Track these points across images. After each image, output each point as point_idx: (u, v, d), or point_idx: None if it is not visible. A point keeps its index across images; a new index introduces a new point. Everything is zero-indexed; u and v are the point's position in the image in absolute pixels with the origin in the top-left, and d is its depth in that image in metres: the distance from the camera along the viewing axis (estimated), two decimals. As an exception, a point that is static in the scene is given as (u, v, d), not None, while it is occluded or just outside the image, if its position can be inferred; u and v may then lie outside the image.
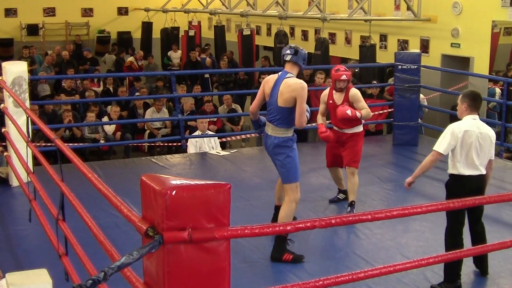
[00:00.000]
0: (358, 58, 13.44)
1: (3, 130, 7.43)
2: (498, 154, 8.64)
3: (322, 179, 8.36)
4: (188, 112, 12.17)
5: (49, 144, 8.84)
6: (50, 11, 20.83)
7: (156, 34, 20.37)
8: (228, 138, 11.26)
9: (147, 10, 20.71)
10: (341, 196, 7.41)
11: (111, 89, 14.88)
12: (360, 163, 7.33)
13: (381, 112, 11.18)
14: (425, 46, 12.47)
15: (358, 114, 6.86)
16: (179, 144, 10.30)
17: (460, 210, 5.15)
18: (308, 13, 13.98)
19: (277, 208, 6.14)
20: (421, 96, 10.91)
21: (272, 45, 15.70)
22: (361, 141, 7.13)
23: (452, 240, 5.30)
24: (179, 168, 8.87)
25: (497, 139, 6.44)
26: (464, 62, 11.59)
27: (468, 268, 5.60)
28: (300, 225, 2.69)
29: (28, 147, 5.82)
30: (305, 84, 5.67)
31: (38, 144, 9.13)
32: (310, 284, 2.79)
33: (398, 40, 13.27)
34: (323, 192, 7.73)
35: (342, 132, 7.06)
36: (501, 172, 8.57)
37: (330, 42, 13.94)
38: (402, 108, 10.08)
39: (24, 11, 20.37)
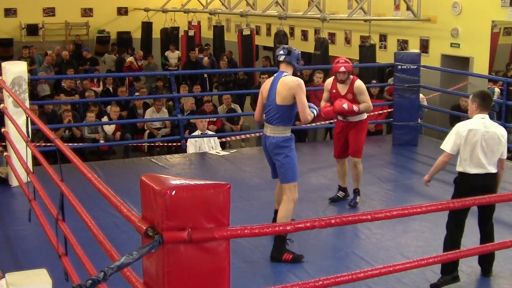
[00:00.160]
0: (358, 58, 13.44)
1: (2, 130, 7.43)
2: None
3: (322, 179, 8.36)
4: (189, 112, 12.17)
5: (48, 144, 8.84)
6: (49, 11, 20.82)
7: (156, 34, 20.37)
8: (228, 138, 11.26)
9: (146, 10, 20.70)
10: (341, 194, 7.42)
11: (110, 89, 14.88)
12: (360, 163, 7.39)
13: (380, 112, 11.18)
14: (424, 46, 12.47)
15: (355, 108, 6.95)
16: (179, 144, 10.31)
17: (463, 209, 5.18)
18: (308, 13, 13.98)
19: (277, 212, 6.13)
20: (421, 96, 10.91)
21: (272, 45, 15.70)
22: (365, 130, 7.26)
23: (448, 234, 5.39)
24: (179, 168, 8.87)
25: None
26: (464, 62, 11.59)
27: (468, 268, 5.60)
28: (300, 225, 2.69)
29: (27, 147, 5.82)
30: (301, 81, 5.76)
31: (38, 144, 9.12)
32: (310, 284, 2.79)
33: (398, 40, 13.27)
34: (323, 192, 7.73)
35: (347, 122, 7.17)
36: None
37: (329, 42, 13.94)
38: (402, 108, 10.08)
39: (24, 11, 20.37)
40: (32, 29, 20.56)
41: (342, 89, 7.10)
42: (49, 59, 17.38)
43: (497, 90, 11.64)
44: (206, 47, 18.71)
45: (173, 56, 19.04)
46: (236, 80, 15.46)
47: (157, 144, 11.54)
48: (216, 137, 10.33)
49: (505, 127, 9.48)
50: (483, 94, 5.39)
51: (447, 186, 7.72)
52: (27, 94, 7.61)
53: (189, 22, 19.72)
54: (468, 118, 5.49)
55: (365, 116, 7.23)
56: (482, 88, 10.78)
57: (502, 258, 5.69)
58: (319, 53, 13.29)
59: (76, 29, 21.21)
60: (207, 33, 19.90)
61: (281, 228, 2.76)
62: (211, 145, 10.02)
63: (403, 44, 13.09)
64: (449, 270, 5.29)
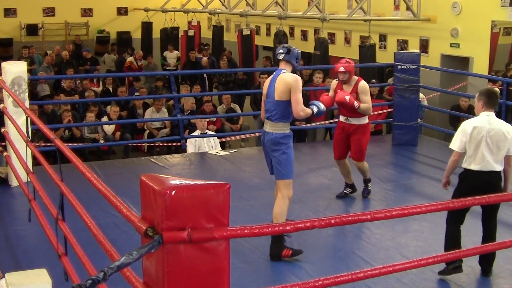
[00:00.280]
0: (358, 58, 13.44)
1: (2, 130, 7.42)
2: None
3: (322, 179, 8.36)
4: (189, 111, 12.17)
5: (48, 144, 8.84)
6: (49, 11, 20.82)
7: (156, 34, 20.37)
8: (228, 138, 11.26)
9: (146, 10, 20.69)
10: (348, 190, 7.49)
11: (110, 89, 14.88)
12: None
13: (380, 112, 11.18)
14: (424, 46, 12.47)
15: (356, 103, 7.04)
16: (179, 144, 10.31)
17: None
18: (308, 13, 13.98)
19: None
20: (422, 96, 10.91)
21: (272, 45, 15.69)
22: (366, 134, 7.36)
23: (449, 227, 5.49)
24: (179, 168, 8.87)
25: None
26: (464, 62, 11.59)
27: (468, 268, 5.60)
28: (300, 225, 2.69)
29: (27, 147, 5.82)
30: (298, 77, 5.82)
31: (38, 144, 9.13)
32: (309, 284, 2.79)
33: (398, 40, 13.27)
34: (323, 192, 7.73)
35: (348, 123, 7.24)
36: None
37: (329, 42, 13.94)
38: (402, 108, 10.08)
39: (24, 11, 20.36)
40: (32, 29, 20.56)
41: (347, 89, 7.20)
42: (49, 59, 17.37)
43: (496, 90, 11.63)
44: (206, 47, 18.71)
45: (172, 56, 19.03)
46: (236, 80, 15.46)
47: (157, 144, 11.54)
48: (216, 137, 10.33)
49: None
50: (489, 92, 5.48)
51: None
52: (27, 94, 7.61)
53: (189, 22, 19.71)
54: (466, 118, 5.54)
55: (366, 120, 7.31)
56: (482, 88, 10.80)
57: (502, 258, 5.69)
58: (319, 53, 13.29)
59: (75, 29, 21.21)
60: (207, 33, 19.89)
61: (280, 228, 2.76)
62: (211, 144, 10.03)
63: (403, 44, 13.09)
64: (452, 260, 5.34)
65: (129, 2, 21.75)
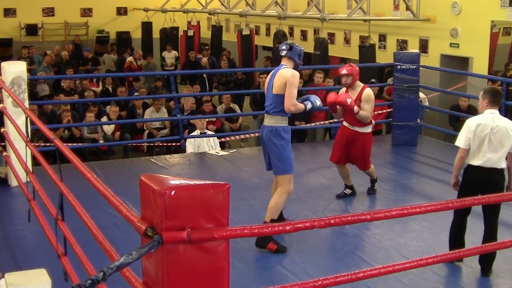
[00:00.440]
0: (357, 58, 13.44)
1: (2, 130, 7.42)
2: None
3: (321, 179, 8.36)
4: (188, 111, 12.17)
5: (48, 144, 8.84)
6: (49, 11, 20.83)
7: (156, 34, 20.38)
8: (227, 138, 11.26)
9: (146, 10, 20.70)
10: (348, 191, 7.51)
11: (110, 89, 14.88)
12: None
13: (380, 112, 11.18)
14: (424, 46, 12.47)
15: (355, 109, 7.07)
16: (178, 144, 10.31)
17: (471, 195, 5.28)
18: (307, 13, 13.99)
19: None
20: (422, 95, 10.92)
21: (271, 45, 15.70)
22: (370, 143, 7.39)
23: (456, 218, 5.66)
24: (178, 168, 8.87)
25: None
26: (463, 62, 11.59)
27: (468, 268, 5.61)
28: (299, 225, 2.69)
29: (27, 147, 5.82)
30: (296, 72, 5.88)
31: (37, 144, 9.12)
32: (309, 284, 2.79)
33: (397, 40, 13.28)
34: (322, 192, 7.73)
35: (352, 129, 7.25)
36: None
37: (329, 42, 13.95)
38: (401, 108, 10.09)
39: (23, 11, 20.37)
40: (32, 29, 20.57)
41: (353, 95, 7.20)
42: (48, 59, 17.38)
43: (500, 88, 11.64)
44: (206, 47, 18.72)
45: (170, 56, 19.03)
46: (235, 80, 15.47)
47: (156, 144, 11.54)
48: (215, 137, 10.33)
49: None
50: (494, 91, 5.59)
51: (446, 186, 7.73)
52: (26, 94, 7.60)
53: (189, 22, 19.72)
54: (465, 117, 5.60)
55: (369, 129, 7.33)
56: (484, 87, 10.82)
57: (501, 258, 5.69)
58: (318, 53, 13.29)
59: (75, 29, 21.22)
60: (206, 33, 19.90)
61: (280, 228, 2.76)
62: (210, 144, 10.03)
63: (402, 44, 13.09)
64: (454, 246, 5.51)
65: (128, 2, 21.76)
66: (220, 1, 17.84)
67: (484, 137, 5.37)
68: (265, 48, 18.67)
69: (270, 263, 5.70)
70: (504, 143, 5.37)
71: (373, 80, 11.92)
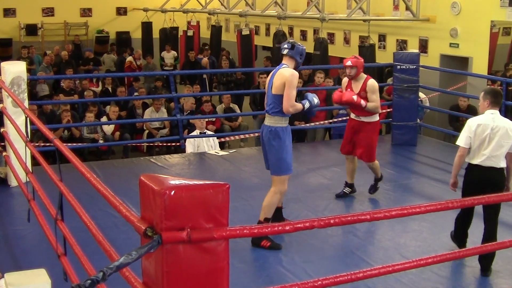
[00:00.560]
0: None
1: (2, 130, 7.42)
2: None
3: (321, 179, 8.36)
4: (188, 111, 12.17)
5: (48, 144, 8.84)
6: (48, 11, 20.83)
7: (156, 34, 20.37)
8: (227, 138, 11.26)
9: (145, 10, 20.69)
10: (347, 190, 7.52)
11: (110, 89, 14.88)
12: (358, 163, 7.43)
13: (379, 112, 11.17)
14: (424, 46, 12.47)
15: (363, 102, 7.08)
16: (178, 144, 10.30)
17: (472, 193, 5.38)
18: (307, 13, 13.98)
19: (277, 209, 6.21)
20: (423, 95, 10.91)
21: (271, 45, 15.70)
22: (376, 132, 7.38)
23: (461, 211, 5.83)
24: (178, 168, 8.87)
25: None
26: (463, 62, 11.59)
27: (468, 268, 5.61)
28: (299, 225, 2.69)
29: (27, 147, 5.81)
30: (295, 72, 5.88)
31: (37, 144, 9.12)
32: (308, 284, 2.79)
33: (397, 40, 13.28)
34: (322, 192, 7.73)
35: (358, 120, 7.28)
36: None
37: (329, 42, 13.94)
38: (401, 108, 10.08)
39: (23, 11, 20.36)
40: (31, 29, 20.56)
41: (356, 87, 7.23)
42: (48, 59, 17.38)
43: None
44: (205, 47, 18.72)
45: (169, 56, 19.03)
46: (235, 80, 15.47)
47: (156, 144, 11.54)
48: (215, 137, 10.33)
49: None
50: (494, 92, 5.68)
51: (446, 186, 7.72)
52: (26, 94, 7.60)
53: (188, 22, 19.71)
54: (465, 117, 5.66)
55: (376, 118, 7.32)
56: (481, 88, 10.82)
57: (501, 258, 5.70)
58: (318, 53, 13.29)
59: (75, 29, 21.21)
60: (206, 33, 19.89)
61: (280, 228, 2.76)
62: (210, 144, 10.02)
63: (402, 44, 13.09)
64: (458, 239, 5.85)
65: (128, 2, 21.75)
66: (219, 1, 17.83)
67: (485, 137, 5.46)
68: (264, 48, 18.66)
69: (269, 263, 5.71)
70: (504, 143, 5.45)
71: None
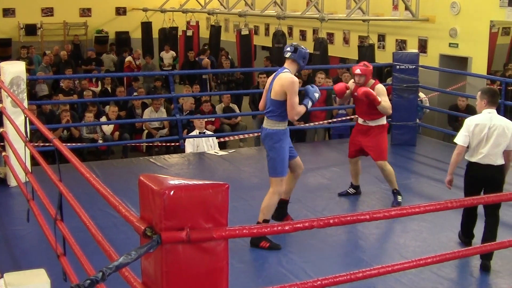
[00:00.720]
0: (357, 58, 13.43)
1: (1, 130, 7.42)
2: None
3: (321, 179, 8.36)
4: (188, 111, 12.17)
5: (47, 144, 8.84)
6: (48, 11, 20.81)
7: (156, 34, 20.37)
8: (227, 138, 11.26)
9: (145, 10, 20.68)
10: (351, 190, 7.53)
11: (109, 89, 14.88)
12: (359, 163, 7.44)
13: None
14: (423, 46, 12.47)
15: (379, 98, 6.97)
16: (177, 144, 10.30)
17: (473, 192, 5.63)
18: (306, 13, 13.98)
19: (280, 202, 6.31)
20: (423, 95, 10.91)
21: (270, 45, 15.70)
22: (384, 133, 7.28)
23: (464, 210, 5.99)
24: (177, 168, 8.87)
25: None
26: (462, 62, 11.60)
27: (467, 268, 5.61)
28: (299, 225, 2.69)
29: (26, 147, 5.81)
30: (295, 79, 5.86)
31: (36, 144, 9.11)
32: (308, 284, 2.79)
33: (396, 40, 13.28)
34: (322, 192, 7.73)
35: (366, 125, 7.24)
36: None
37: (328, 42, 13.94)
38: (400, 108, 10.07)
39: (22, 11, 20.35)
40: (31, 29, 20.55)
41: None
42: (47, 59, 17.38)
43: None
44: (205, 47, 18.72)
45: (167, 56, 19.02)
46: (236, 80, 15.47)
47: (155, 144, 11.54)
48: (215, 137, 10.33)
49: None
50: (491, 91, 5.81)
51: (445, 186, 7.73)
52: (25, 94, 7.60)
53: (188, 22, 19.70)
54: (464, 117, 5.74)
55: (383, 121, 7.27)
56: (482, 87, 10.82)
57: (501, 258, 5.70)
58: (318, 53, 13.29)
59: (74, 29, 21.20)
60: (205, 33, 19.89)
61: (279, 228, 2.76)
62: (209, 144, 10.02)
63: (401, 44, 13.09)
64: (464, 234, 6.04)
65: (127, 2, 21.74)
66: (219, 1, 17.83)
67: (483, 136, 5.58)
68: (264, 48, 18.66)
69: (269, 263, 5.71)
70: (501, 141, 5.58)
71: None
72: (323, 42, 13.33)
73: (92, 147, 11.19)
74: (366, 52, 12.94)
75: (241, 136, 11.64)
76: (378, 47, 13.54)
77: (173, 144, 10.88)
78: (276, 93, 5.84)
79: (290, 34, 16.65)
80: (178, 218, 2.34)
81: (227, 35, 19.45)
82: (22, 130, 5.97)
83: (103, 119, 11.72)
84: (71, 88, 14.42)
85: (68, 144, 9.87)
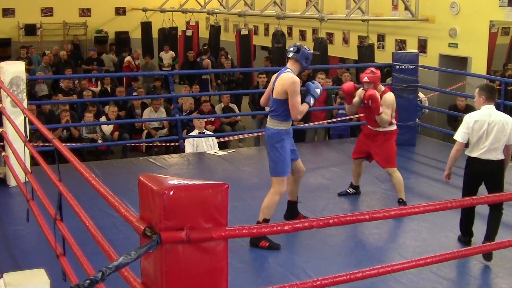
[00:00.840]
0: (356, 58, 13.44)
1: (1, 130, 7.42)
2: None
3: (320, 179, 8.36)
4: (187, 111, 12.17)
5: (46, 144, 8.83)
6: (47, 11, 20.81)
7: (156, 34, 20.37)
8: (226, 138, 11.25)
9: (145, 10, 20.67)
10: (351, 190, 7.55)
11: (109, 89, 14.88)
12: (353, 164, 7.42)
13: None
14: (422, 46, 12.47)
15: (382, 108, 6.97)
16: (177, 144, 10.30)
17: (472, 186, 5.80)
18: (306, 13, 13.98)
19: (289, 203, 6.45)
20: (422, 95, 10.91)
21: (270, 45, 15.70)
22: (391, 139, 7.21)
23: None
24: (177, 168, 8.87)
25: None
26: (462, 62, 11.60)
27: (467, 268, 5.61)
28: (298, 225, 2.69)
29: (25, 147, 5.81)
30: (296, 79, 5.90)
31: (36, 144, 9.11)
32: (307, 284, 2.79)
33: (396, 40, 13.28)
34: (321, 192, 7.73)
35: (374, 130, 7.21)
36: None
37: (328, 42, 13.94)
38: (400, 108, 10.02)
39: (22, 11, 20.35)
40: (30, 29, 20.54)
41: None
42: (47, 59, 17.37)
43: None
44: (204, 47, 18.71)
45: (167, 56, 19.01)
46: (236, 80, 15.47)
47: (155, 144, 11.54)
48: (214, 137, 10.32)
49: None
50: (489, 87, 5.92)
51: (445, 186, 7.74)
52: (25, 94, 7.60)
53: (187, 22, 19.70)
54: (462, 117, 5.88)
55: (394, 127, 7.21)
56: (479, 85, 10.82)
57: (500, 258, 5.70)
58: (318, 53, 13.28)
59: (74, 29, 21.20)
60: (205, 33, 19.89)
61: (279, 228, 2.76)
62: (209, 144, 10.02)
63: (401, 44, 13.09)
64: (463, 232, 6.07)
65: (127, 2, 21.74)
66: (218, 1, 17.82)
67: (482, 133, 5.67)
68: (263, 48, 18.65)
69: (268, 263, 5.71)
70: (501, 137, 5.67)
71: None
72: (323, 42, 13.33)
73: (92, 147, 11.19)
74: (365, 52, 12.94)
75: (241, 136, 11.64)
76: (378, 47, 13.54)
77: (172, 144, 10.88)
78: (278, 93, 5.87)
79: (290, 34, 16.64)
80: (177, 218, 2.34)
81: (227, 35, 19.45)
82: (22, 130, 5.97)
83: (103, 119, 11.72)
84: (71, 88, 14.41)
85: (68, 144, 9.86)
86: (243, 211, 6.91)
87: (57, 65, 17.49)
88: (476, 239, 5.96)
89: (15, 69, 7.50)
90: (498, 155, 5.71)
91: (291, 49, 6.03)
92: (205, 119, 10.98)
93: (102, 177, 7.47)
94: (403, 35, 13.07)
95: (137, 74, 15.94)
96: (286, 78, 5.85)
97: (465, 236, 6.05)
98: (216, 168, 8.91)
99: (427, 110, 11.30)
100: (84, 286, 2.26)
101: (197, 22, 19.94)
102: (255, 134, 10.91)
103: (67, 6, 20.81)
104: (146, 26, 20.58)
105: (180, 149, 10.10)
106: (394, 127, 7.26)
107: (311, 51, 6.15)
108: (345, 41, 14.84)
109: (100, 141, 11.39)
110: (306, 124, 10.97)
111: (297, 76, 6.03)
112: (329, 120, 11.07)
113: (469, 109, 10.40)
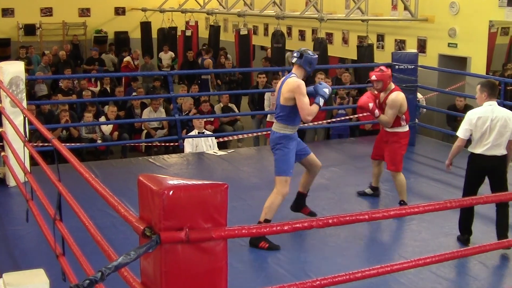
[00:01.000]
0: (356, 58, 13.43)
1: (0, 130, 7.42)
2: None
3: (320, 179, 8.33)
4: (187, 112, 12.17)
5: (46, 144, 8.83)
6: (47, 11, 20.80)
7: (155, 34, 20.36)
8: (226, 138, 11.25)
9: (144, 10, 20.67)
10: (369, 191, 7.55)
11: (108, 89, 14.88)
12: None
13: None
14: (422, 46, 12.47)
15: (376, 112, 7.00)
16: (176, 144, 10.30)
17: (474, 182, 5.87)
18: (305, 13, 13.98)
19: (299, 194, 6.55)
20: (420, 96, 10.90)
21: (269, 45, 15.69)
22: (402, 141, 7.12)
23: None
24: (176, 168, 8.86)
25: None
26: (461, 62, 11.60)
27: (467, 268, 5.61)
28: (298, 225, 2.69)
29: (25, 147, 5.81)
30: (301, 82, 5.95)
31: (35, 144, 9.11)
32: (307, 284, 2.79)
33: (395, 40, 13.28)
34: (321, 192, 7.72)
35: (385, 130, 7.23)
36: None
37: (327, 42, 13.94)
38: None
39: (21, 11, 20.34)
40: (30, 29, 20.53)
41: (382, 97, 7.16)
42: (46, 59, 17.37)
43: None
44: (204, 47, 18.70)
45: (166, 57, 19.00)
46: (237, 80, 15.47)
47: (154, 144, 11.53)
48: (214, 137, 10.32)
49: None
50: (491, 84, 5.98)
51: (445, 186, 7.76)
52: (24, 94, 7.60)
53: (187, 22, 19.69)
54: (463, 117, 5.91)
55: (406, 128, 7.14)
56: (480, 81, 10.82)
57: (500, 257, 5.70)
58: (318, 53, 13.26)
59: (73, 29, 21.19)
60: (204, 33, 19.88)
61: (278, 228, 2.76)
62: (208, 144, 10.02)
63: (400, 44, 13.09)
64: (461, 231, 6.10)
65: (126, 2, 21.73)
66: (218, 1, 17.82)
67: (486, 129, 5.74)
68: (263, 48, 18.64)
69: (268, 263, 5.70)
70: (504, 132, 5.74)
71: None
72: (323, 42, 13.33)
73: (91, 147, 11.19)
74: (365, 52, 12.94)
75: (240, 136, 11.64)
76: (377, 47, 13.54)
77: (172, 144, 10.88)
78: (285, 99, 5.95)
79: (289, 34, 16.64)
80: (177, 218, 2.34)
81: (226, 35, 19.44)
82: (21, 130, 5.97)
83: (102, 119, 11.71)
84: (70, 88, 14.41)
85: (67, 144, 9.86)
86: (242, 211, 6.91)
87: (57, 65, 17.49)
88: (475, 238, 5.97)
89: (15, 69, 7.50)
90: (502, 151, 5.79)
91: (295, 54, 6.11)
92: (205, 119, 10.98)
93: (101, 177, 7.47)
94: (403, 35, 13.07)
95: (136, 74, 15.94)
96: (292, 83, 5.93)
97: (464, 234, 6.07)
98: (215, 168, 8.91)
99: (425, 110, 11.30)
100: (84, 286, 2.26)
101: (196, 22, 19.93)
102: (255, 134, 10.91)
103: (66, 6, 20.80)
104: (145, 26, 20.56)
105: (179, 149, 10.10)
106: (405, 129, 7.13)
107: (316, 56, 6.21)
108: (345, 41, 14.84)
109: (99, 141, 11.39)
110: (306, 124, 10.97)
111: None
112: (329, 120, 11.07)
113: (468, 109, 10.38)
